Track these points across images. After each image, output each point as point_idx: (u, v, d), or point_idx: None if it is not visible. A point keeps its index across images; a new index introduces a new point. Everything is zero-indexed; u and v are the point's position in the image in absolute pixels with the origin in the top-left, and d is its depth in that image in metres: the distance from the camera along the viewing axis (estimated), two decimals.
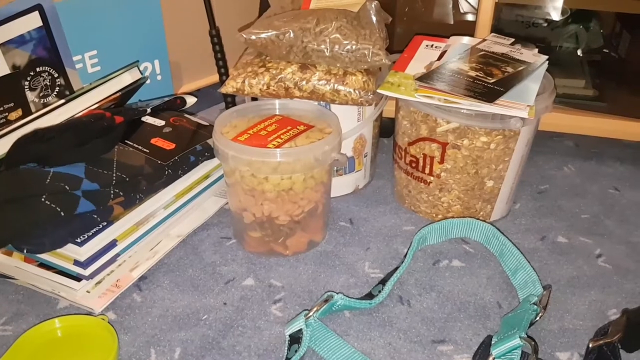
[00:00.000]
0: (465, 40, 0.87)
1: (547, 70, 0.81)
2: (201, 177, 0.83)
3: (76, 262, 0.68)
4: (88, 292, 0.69)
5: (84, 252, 0.67)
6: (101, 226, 0.69)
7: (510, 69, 0.79)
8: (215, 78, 1.12)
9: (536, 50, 0.85)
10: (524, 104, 0.72)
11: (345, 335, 0.66)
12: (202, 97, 1.05)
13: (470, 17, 1.12)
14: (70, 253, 0.68)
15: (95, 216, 0.69)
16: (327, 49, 0.77)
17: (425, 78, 0.76)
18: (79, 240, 0.67)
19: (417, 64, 0.82)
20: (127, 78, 0.88)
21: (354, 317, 0.69)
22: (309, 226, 0.78)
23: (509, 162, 0.79)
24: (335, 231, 0.83)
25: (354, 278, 0.75)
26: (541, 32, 1.15)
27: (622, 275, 0.75)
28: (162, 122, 0.85)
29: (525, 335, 0.60)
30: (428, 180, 0.82)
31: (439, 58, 0.82)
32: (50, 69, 0.87)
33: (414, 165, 0.83)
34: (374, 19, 0.82)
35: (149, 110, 0.86)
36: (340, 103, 0.80)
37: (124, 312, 0.69)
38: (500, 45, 0.85)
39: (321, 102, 0.82)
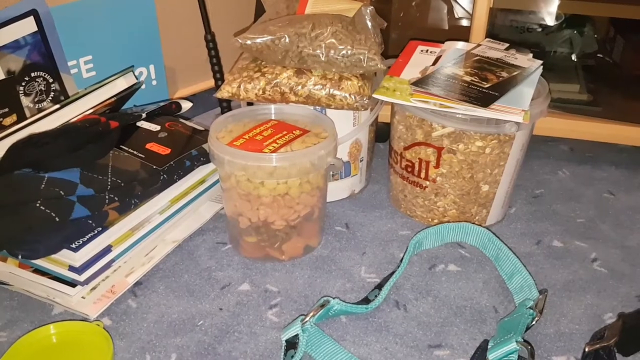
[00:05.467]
0: (460, 45, 0.87)
1: (542, 75, 0.81)
2: (197, 182, 0.83)
3: (71, 268, 0.67)
4: (83, 298, 0.69)
5: (78, 257, 0.67)
6: (96, 232, 0.69)
7: (505, 74, 0.79)
8: (210, 83, 1.12)
9: (531, 55, 0.86)
10: (519, 108, 0.73)
11: (342, 340, 0.66)
12: (198, 102, 1.05)
13: (465, 23, 1.13)
14: (65, 259, 0.67)
15: (90, 222, 0.69)
16: (323, 54, 0.78)
17: (421, 83, 0.77)
18: (73, 245, 0.67)
19: (413, 69, 0.82)
20: (122, 83, 0.87)
21: (350, 322, 0.69)
22: (304, 231, 0.78)
23: (504, 166, 0.79)
24: (331, 236, 0.83)
25: (350, 283, 0.75)
26: (536, 37, 1.16)
27: (618, 279, 0.76)
28: (158, 127, 0.85)
29: (522, 340, 0.60)
30: (424, 185, 0.82)
31: (434, 63, 0.83)
32: (45, 74, 0.87)
33: (409, 169, 0.83)
34: (369, 24, 0.82)
35: (144, 115, 0.85)
36: (335, 108, 0.80)
37: (119, 318, 0.69)
38: (495, 50, 0.86)
39: (317, 107, 0.82)
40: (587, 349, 0.62)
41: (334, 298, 0.67)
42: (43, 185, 0.67)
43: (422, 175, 0.82)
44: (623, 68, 1.14)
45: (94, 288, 0.70)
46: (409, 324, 0.68)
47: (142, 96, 0.97)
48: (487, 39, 0.90)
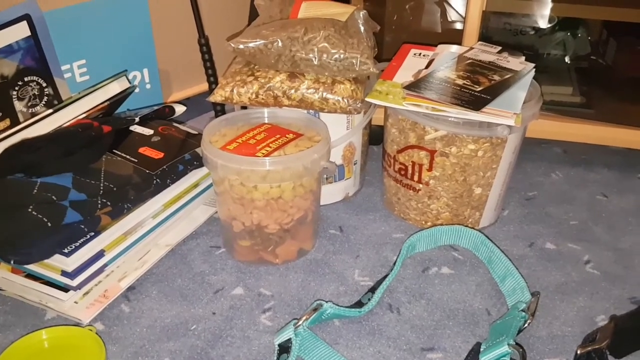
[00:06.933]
0: (453, 48, 0.87)
1: (535, 77, 0.82)
2: (190, 186, 0.83)
3: (64, 273, 0.67)
4: (76, 302, 0.69)
5: (71, 262, 0.67)
6: (89, 236, 0.69)
7: (497, 77, 0.79)
8: (204, 87, 1.12)
9: (523, 58, 0.86)
10: (511, 111, 0.73)
11: (335, 344, 0.66)
12: (191, 105, 1.05)
13: (458, 26, 1.13)
14: (57, 263, 0.67)
15: (83, 226, 0.69)
16: (316, 58, 0.78)
17: (413, 86, 0.77)
18: (66, 250, 0.67)
19: (405, 73, 0.82)
20: (115, 87, 0.87)
21: (343, 326, 0.69)
22: (298, 234, 0.78)
23: (497, 169, 0.79)
24: (325, 239, 0.83)
25: (343, 286, 0.75)
26: (529, 40, 1.16)
27: (610, 282, 0.76)
28: (151, 131, 0.85)
29: (514, 342, 0.60)
30: (417, 188, 0.83)
31: (427, 66, 0.83)
32: (38, 79, 0.87)
33: (403, 172, 0.83)
34: (362, 28, 0.82)
35: (137, 119, 0.85)
36: (329, 111, 0.81)
37: (112, 322, 0.69)
38: (488, 53, 0.86)
39: (310, 111, 0.82)
40: (579, 352, 0.62)
41: (327, 302, 0.68)
42: (35, 190, 0.67)
43: (416, 178, 0.82)
44: (616, 70, 1.15)
45: (86, 293, 0.70)
46: (402, 327, 0.69)
47: (136, 100, 0.97)
48: (480, 42, 0.90)
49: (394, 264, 0.75)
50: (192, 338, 0.67)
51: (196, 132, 0.88)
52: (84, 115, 0.82)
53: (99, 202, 0.70)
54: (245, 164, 0.71)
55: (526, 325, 0.65)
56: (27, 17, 0.84)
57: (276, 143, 0.75)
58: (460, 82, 0.77)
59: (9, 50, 0.83)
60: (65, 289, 0.68)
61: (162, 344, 0.66)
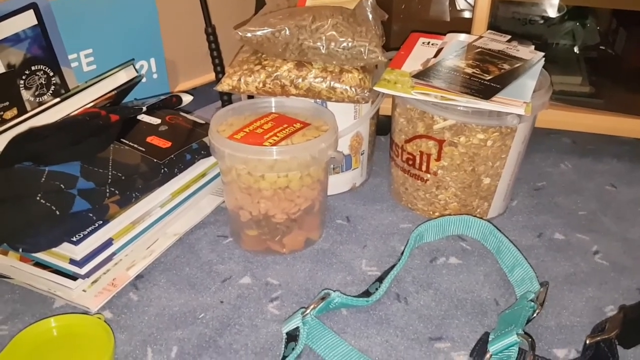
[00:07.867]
0: (462, 37, 0.87)
1: (544, 67, 0.81)
2: (197, 176, 0.83)
3: (72, 261, 0.67)
4: (84, 291, 0.69)
5: (79, 251, 0.67)
6: (97, 225, 0.69)
7: (506, 66, 0.79)
8: (211, 76, 1.12)
9: (533, 47, 0.85)
10: (521, 100, 0.72)
11: (343, 333, 0.66)
12: (198, 95, 1.05)
13: (466, 15, 1.12)
14: (66, 252, 0.67)
15: (91, 215, 0.69)
16: (323, 47, 0.77)
17: (422, 75, 0.76)
18: (74, 239, 0.67)
19: (414, 61, 0.82)
20: (122, 76, 0.87)
21: (351, 315, 0.69)
22: (305, 224, 0.78)
23: (506, 159, 0.79)
24: (332, 229, 0.83)
25: (351, 276, 0.75)
26: (538, 29, 1.15)
27: (619, 272, 0.75)
28: (158, 121, 0.84)
29: (523, 332, 0.60)
30: (425, 178, 0.82)
31: (436, 55, 0.82)
32: (45, 68, 0.87)
33: (410, 162, 0.83)
34: (370, 16, 0.82)
35: (144, 108, 0.85)
36: (336, 101, 0.80)
37: (121, 311, 0.69)
38: (497, 42, 0.85)
39: (317, 100, 0.81)
40: (588, 342, 0.62)
41: (334, 291, 0.68)
42: (43, 179, 0.67)
43: (423, 168, 0.81)
44: (625, 60, 1.14)
45: (95, 281, 0.70)
46: (410, 316, 0.68)
47: (143, 89, 0.97)
48: (489, 31, 0.89)
49: (402, 253, 0.75)
50: (200, 326, 0.67)
51: (203, 122, 0.88)
52: (91, 104, 0.82)
53: (107, 190, 0.70)
54: (252, 154, 0.71)
55: (535, 315, 0.65)
56: (33, 6, 0.84)
57: (283, 132, 0.75)
58: (469, 70, 0.77)
59: (15, 39, 0.83)
60: (73, 277, 0.68)
61: (171, 332, 0.66)
